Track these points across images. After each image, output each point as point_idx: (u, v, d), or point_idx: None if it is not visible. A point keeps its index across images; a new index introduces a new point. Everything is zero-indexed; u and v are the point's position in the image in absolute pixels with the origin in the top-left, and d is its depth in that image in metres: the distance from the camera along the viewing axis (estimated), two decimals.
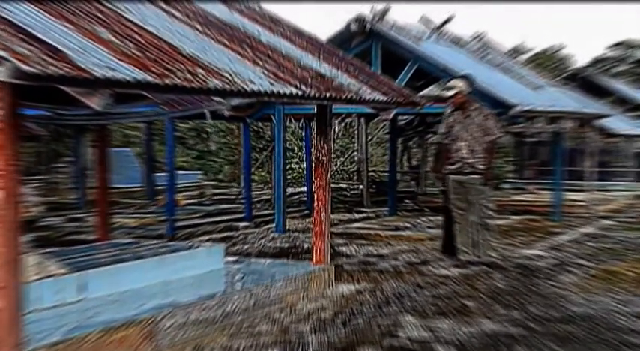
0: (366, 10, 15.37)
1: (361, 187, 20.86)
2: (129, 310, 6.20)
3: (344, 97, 7.80)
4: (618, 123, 22.16)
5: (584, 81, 25.76)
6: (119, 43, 5.57)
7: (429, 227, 13.93)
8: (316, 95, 7.26)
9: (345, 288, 8.48)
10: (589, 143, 18.09)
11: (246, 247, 11.78)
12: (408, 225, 14.45)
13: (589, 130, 17.56)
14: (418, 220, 14.92)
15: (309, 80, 7.49)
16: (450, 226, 10.44)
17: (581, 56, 46.93)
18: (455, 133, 10.42)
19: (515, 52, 36.54)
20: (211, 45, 7.14)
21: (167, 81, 5.30)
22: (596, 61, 46.46)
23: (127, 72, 5.02)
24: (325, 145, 8.67)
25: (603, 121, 18.98)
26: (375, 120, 21.80)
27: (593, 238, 12.71)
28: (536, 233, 13.32)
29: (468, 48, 17.39)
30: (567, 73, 27.99)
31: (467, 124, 10.40)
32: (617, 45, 48.05)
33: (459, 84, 10.51)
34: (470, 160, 10.33)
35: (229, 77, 6.14)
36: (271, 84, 6.68)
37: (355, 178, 25.77)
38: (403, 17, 16.46)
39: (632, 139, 23.73)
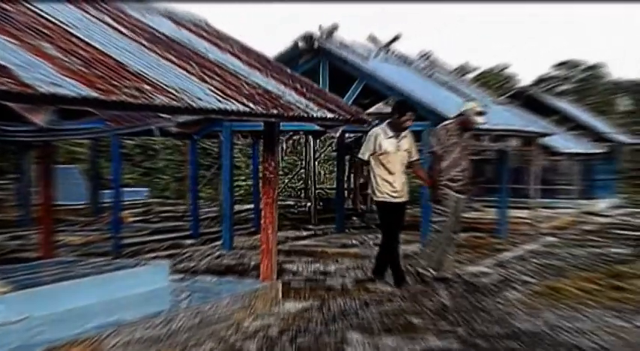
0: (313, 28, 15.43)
1: (309, 204, 20.86)
2: (73, 328, 6.10)
3: (291, 114, 7.81)
4: (562, 141, 22.46)
5: (528, 99, 26.06)
6: (64, 58, 5.52)
7: (377, 244, 13.95)
8: (263, 113, 7.26)
9: (292, 305, 8.46)
10: (534, 161, 18.29)
11: (192, 264, 11.70)
12: (355, 242, 14.47)
13: (534, 148, 17.75)
14: (365, 237, 14.94)
15: (257, 97, 7.49)
16: (392, 248, 10.35)
17: (525, 75, 47.84)
18: (453, 150, 10.46)
19: (461, 70, 36.93)
20: (158, 61, 7.11)
21: (113, 97, 5.27)
22: (541, 80, 47.12)
23: (72, 88, 4.97)
24: (272, 162, 8.66)
25: (547, 140, 19.21)
26: (323, 137, 21.85)
27: (537, 255, 12.85)
28: (481, 250, 13.43)
29: (415, 66, 17.52)
30: (512, 92, 28.31)
31: (463, 143, 10.51)
32: (561, 64, 48.80)
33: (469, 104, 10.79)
34: (465, 178, 10.48)
35: (176, 94, 6.12)
36: (218, 101, 6.67)
37: (303, 195, 25.78)
38: (351, 36, 16.58)
39: (576, 157, 24.06)
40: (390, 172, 10.05)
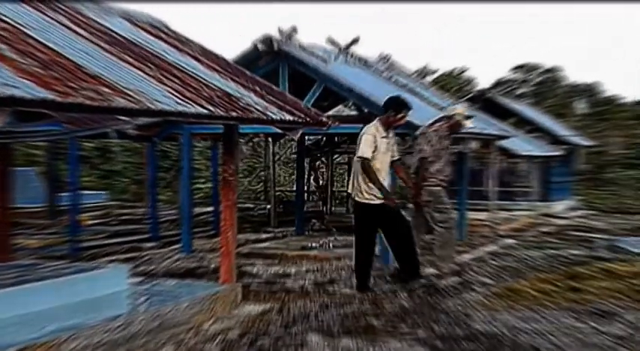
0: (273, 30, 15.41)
1: (268, 206, 20.83)
2: (30, 332, 6.05)
3: (250, 117, 7.80)
4: (520, 144, 22.63)
5: (487, 102, 26.23)
6: (21, 60, 5.46)
7: (336, 247, 13.97)
8: (222, 115, 7.24)
9: (252, 308, 8.45)
10: (492, 163, 18.41)
11: (152, 267, 11.64)
12: (315, 245, 14.46)
13: (492, 150, 17.87)
14: (325, 240, 14.95)
15: (216, 100, 7.47)
16: (371, 251, 10.23)
17: (483, 78, 48.15)
18: (445, 153, 10.54)
19: (420, 74, 37.11)
20: (116, 63, 7.07)
21: (70, 100, 5.23)
22: (499, 83, 47.47)
23: (29, 90, 4.93)
24: (232, 165, 8.65)
25: (506, 142, 19.34)
26: (283, 140, 21.85)
27: (496, 257, 12.93)
28: None
29: (374, 69, 17.56)
30: (471, 95, 28.50)
31: (447, 145, 10.60)
32: (519, 67, 49.17)
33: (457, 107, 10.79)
34: (447, 179, 10.55)
35: (134, 96, 6.08)
36: (177, 103, 6.64)
37: (262, 197, 25.73)
38: (310, 38, 16.58)
39: (533, 159, 24.26)
40: (381, 173, 9.88)
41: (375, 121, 10.15)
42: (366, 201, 9.86)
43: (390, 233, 10.14)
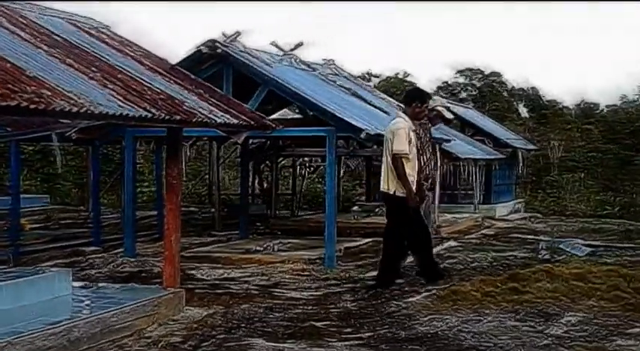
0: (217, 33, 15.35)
1: (212, 210, 20.75)
2: None
3: (194, 120, 7.77)
4: (463, 146, 22.83)
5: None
6: None
7: (281, 250, 13.97)
8: (166, 118, 7.21)
9: (196, 312, 8.40)
10: (435, 167, 18.49)
11: (94, 272, 11.52)
12: (260, 248, 14.43)
13: (435, 153, 17.99)
14: (270, 243, 14.93)
15: (159, 103, 7.44)
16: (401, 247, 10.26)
17: (427, 82, 48.67)
18: (419, 146, 10.43)
19: (364, 78, 37.26)
20: (58, 66, 7.00)
21: (10, 102, 5.15)
22: (442, 87, 47.87)
23: None
24: (176, 168, 8.60)
25: (449, 145, 19.50)
26: (227, 143, 21.78)
27: (439, 259, 13.01)
28: None
29: (319, 73, 17.59)
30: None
31: (427, 138, 10.54)
32: (462, 71, 49.62)
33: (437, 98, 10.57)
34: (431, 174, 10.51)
35: (76, 99, 6.03)
36: (120, 106, 6.59)
37: (207, 201, 25.61)
38: (255, 42, 16.54)
39: (477, 162, 24.49)
40: (413, 168, 9.94)
41: (400, 115, 10.22)
42: (402, 194, 9.87)
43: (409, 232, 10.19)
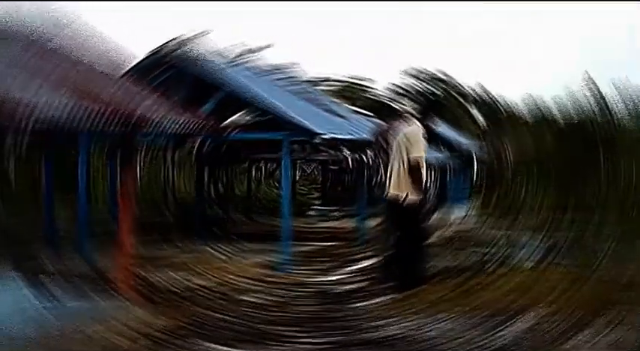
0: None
1: (168, 214, 20.63)
2: None
3: (148, 125, 7.72)
4: None
5: (386, 109, 26.51)
6: None
7: (236, 254, 13.92)
8: (121, 122, 7.16)
9: (148, 316, 8.33)
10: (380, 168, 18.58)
11: (48, 277, 11.39)
12: (216, 252, 14.38)
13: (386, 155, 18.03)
14: (226, 248, 14.88)
15: (113, 108, 7.37)
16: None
17: (383, 85, 48.58)
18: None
19: (324, 81, 37.28)
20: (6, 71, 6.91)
21: None
22: (398, 91, 48.00)
23: None
24: (130, 173, 8.56)
25: None
26: (183, 147, 21.66)
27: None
28: (341, 259, 13.55)
29: (277, 76, 17.58)
30: (370, 102, 28.79)
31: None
32: (416, 76, 49.78)
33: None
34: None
35: (26, 104, 5.96)
36: (71, 112, 6.53)
37: (162, 205, 25.44)
38: (213, 44, 16.46)
39: (431, 167, 24.62)
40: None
41: (415, 122, 10.35)
42: (414, 200, 10.09)
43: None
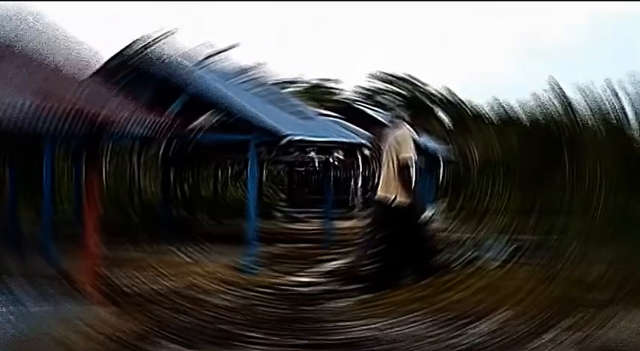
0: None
1: (133, 215, 20.51)
2: None
3: (113, 127, 7.69)
4: None
5: (353, 111, 26.55)
6: None
7: (202, 256, 13.87)
8: (84, 125, 7.12)
9: (112, 317, 8.28)
10: (357, 172, 18.66)
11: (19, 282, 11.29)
12: (181, 254, 14.33)
13: (357, 159, 18.09)
14: (191, 249, 14.83)
15: (78, 109, 7.33)
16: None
17: (350, 87, 48.59)
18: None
19: (291, 83, 37.28)
20: None
21: None
22: (365, 93, 48.07)
23: None
24: (95, 175, 8.51)
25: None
26: (149, 147, 21.56)
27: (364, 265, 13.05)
28: (307, 261, 13.55)
29: (244, 78, 17.52)
30: (337, 104, 28.82)
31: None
32: (384, 77, 49.90)
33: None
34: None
35: None
36: (35, 114, 6.48)
37: (128, 207, 25.30)
38: (179, 45, 16.39)
39: None
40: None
41: (403, 125, 10.62)
42: (404, 202, 10.25)
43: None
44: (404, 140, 10.37)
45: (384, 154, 10.57)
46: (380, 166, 10.94)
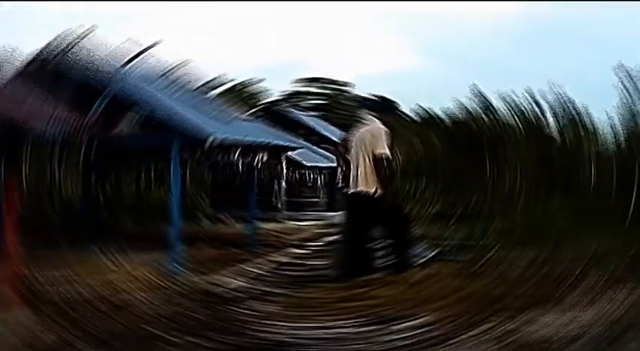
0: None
1: (54, 216, 20.17)
2: None
3: (33, 127, 7.59)
4: (309, 155, 23.10)
5: (276, 114, 26.63)
6: None
7: (125, 258, 13.73)
8: (3, 126, 7.02)
9: (30, 319, 8.15)
10: (281, 175, 18.67)
11: None
12: (103, 257, 14.14)
13: (281, 161, 18.12)
14: (113, 251, 14.65)
15: None
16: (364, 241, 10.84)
17: (274, 90, 48.63)
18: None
19: (214, 83, 37.13)
20: None
21: None
22: (289, 95, 48.23)
23: None
24: (15, 175, 8.37)
25: (295, 153, 19.69)
26: (69, 149, 21.25)
27: (287, 267, 13.08)
28: (231, 263, 13.50)
29: (165, 77, 17.37)
30: (260, 106, 28.83)
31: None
32: (310, 80, 50.15)
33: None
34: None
35: None
36: None
37: (49, 208, 24.89)
38: (101, 44, 16.19)
39: (321, 170, 24.79)
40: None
41: (376, 121, 10.90)
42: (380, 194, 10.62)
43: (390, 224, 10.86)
44: (379, 135, 10.70)
45: (355, 150, 10.90)
46: (347, 162, 11.23)
